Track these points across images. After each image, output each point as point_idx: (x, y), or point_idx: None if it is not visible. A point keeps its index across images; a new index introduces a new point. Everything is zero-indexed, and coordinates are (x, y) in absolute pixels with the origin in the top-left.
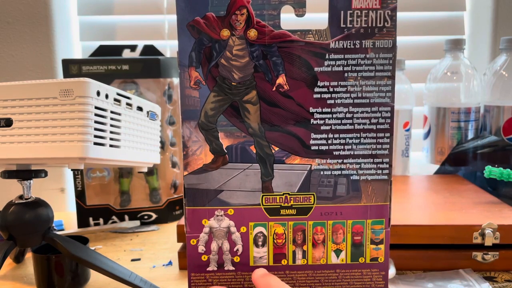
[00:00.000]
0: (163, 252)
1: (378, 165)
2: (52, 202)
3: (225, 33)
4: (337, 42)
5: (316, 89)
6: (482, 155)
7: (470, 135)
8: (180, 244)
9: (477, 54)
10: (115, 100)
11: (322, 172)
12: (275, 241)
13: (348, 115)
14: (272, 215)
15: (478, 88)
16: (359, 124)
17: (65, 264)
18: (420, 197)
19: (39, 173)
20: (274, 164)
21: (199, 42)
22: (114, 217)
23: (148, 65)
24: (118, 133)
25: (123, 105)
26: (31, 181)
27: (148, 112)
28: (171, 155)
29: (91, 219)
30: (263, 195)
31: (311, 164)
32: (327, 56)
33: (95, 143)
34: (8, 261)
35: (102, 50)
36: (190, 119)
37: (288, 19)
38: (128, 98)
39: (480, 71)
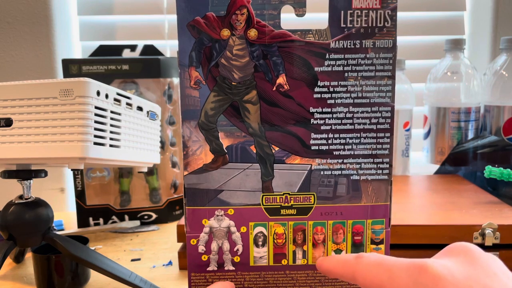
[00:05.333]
0: (163, 252)
1: (378, 165)
2: (52, 202)
3: (225, 33)
4: (337, 42)
5: (316, 89)
6: (482, 155)
7: (470, 135)
8: (180, 244)
9: (477, 54)
10: (115, 100)
11: (322, 172)
12: (275, 241)
13: (348, 115)
14: (272, 215)
15: (478, 88)
16: (359, 124)
17: (65, 264)
18: (420, 197)
19: (39, 173)
20: (274, 164)
21: (199, 42)
22: (114, 217)
23: (148, 65)
24: (118, 133)
25: (123, 105)
26: (31, 181)
27: (148, 112)
28: (171, 155)
29: (91, 219)
30: (263, 195)
31: (311, 164)
32: (327, 56)
33: (95, 143)
34: (8, 261)
35: (102, 50)
36: (190, 119)
37: (288, 19)
38: (128, 98)
39: (480, 71)
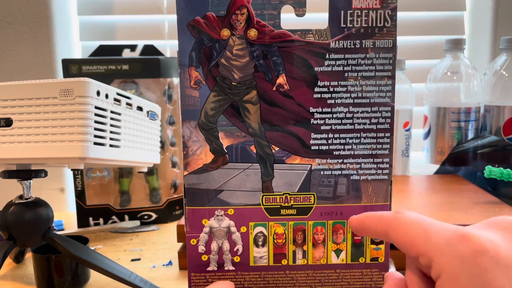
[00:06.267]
0: (163, 252)
1: (378, 165)
2: (52, 202)
3: (225, 32)
4: (337, 42)
5: (316, 89)
6: (482, 155)
7: (470, 135)
8: (180, 244)
9: (477, 54)
10: (115, 100)
11: (322, 172)
12: (275, 241)
13: (348, 115)
14: (272, 215)
15: (478, 88)
16: (359, 124)
17: (65, 264)
18: (420, 197)
19: (39, 173)
20: (274, 164)
21: (199, 42)
22: (114, 217)
23: (148, 65)
24: (118, 133)
25: (123, 105)
26: (31, 181)
27: (148, 112)
28: (171, 155)
29: (91, 219)
30: (263, 195)
31: (311, 164)
32: (327, 56)
33: (95, 143)
34: (8, 261)
35: (102, 50)
36: (190, 119)
37: (288, 19)
38: (128, 98)
39: (480, 71)
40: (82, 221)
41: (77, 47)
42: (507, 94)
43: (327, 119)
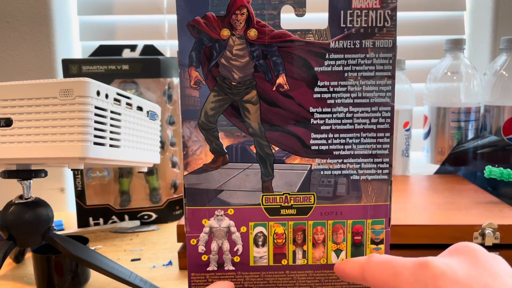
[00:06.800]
0: (163, 252)
1: (378, 165)
2: (52, 202)
3: (225, 32)
4: (337, 42)
5: (316, 89)
6: (482, 155)
7: (470, 135)
8: (180, 244)
9: (477, 54)
10: (115, 100)
11: (322, 172)
12: (275, 241)
13: (348, 115)
14: (272, 215)
15: (478, 88)
16: (359, 124)
17: (65, 264)
18: (420, 197)
19: (39, 173)
20: (274, 164)
21: (199, 42)
22: (114, 217)
23: (148, 65)
24: (118, 133)
25: (123, 105)
26: (31, 181)
27: (148, 112)
28: (171, 155)
29: (91, 219)
30: (263, 195)
31: (311, 164)
32: (327, 56)
33: (95, 143)
34: (8, 261)
35: (102, 50)
36: (190, 119)
37: (288, 19)
38: (128, 98)
39: (480, 71)
40: (82, 221)
41: (77, 47)
42: (507, 94)
43: (327, 119)
